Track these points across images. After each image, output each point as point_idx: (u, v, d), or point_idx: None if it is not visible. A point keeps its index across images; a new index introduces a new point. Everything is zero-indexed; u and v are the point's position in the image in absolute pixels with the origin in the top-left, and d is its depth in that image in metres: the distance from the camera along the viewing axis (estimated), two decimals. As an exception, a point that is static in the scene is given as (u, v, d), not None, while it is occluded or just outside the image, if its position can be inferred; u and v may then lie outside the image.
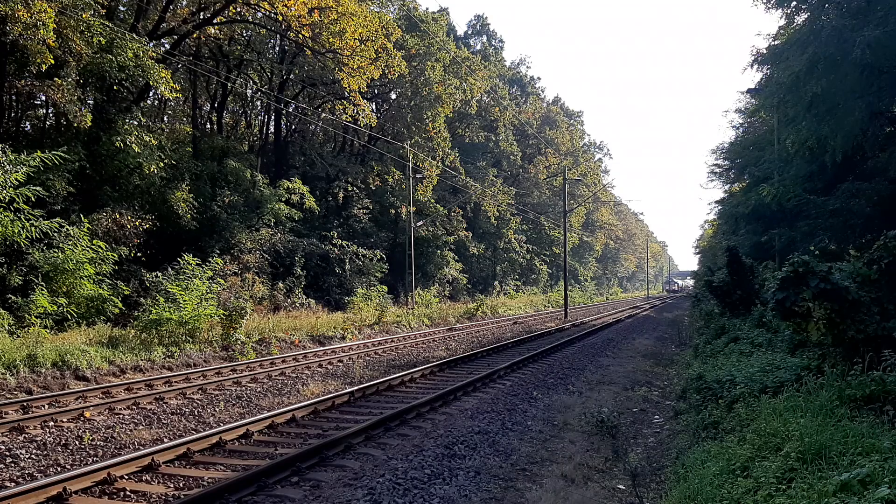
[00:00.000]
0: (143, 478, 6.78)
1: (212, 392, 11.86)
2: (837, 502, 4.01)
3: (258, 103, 37.25)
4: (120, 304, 17.81)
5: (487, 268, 53.88)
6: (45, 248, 16.51)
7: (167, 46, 25.04)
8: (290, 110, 36.39)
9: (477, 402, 10.81)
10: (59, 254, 16.29)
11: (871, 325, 7.92)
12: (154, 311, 15.86)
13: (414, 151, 36.26)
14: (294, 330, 20.70)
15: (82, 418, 9.50)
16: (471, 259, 49.38)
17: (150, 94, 26.89)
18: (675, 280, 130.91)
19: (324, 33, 25.84)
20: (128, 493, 6.30)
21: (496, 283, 54.05)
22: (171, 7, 25.45)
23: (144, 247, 21.14)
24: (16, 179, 13.99)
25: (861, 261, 9.25)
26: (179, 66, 26.66)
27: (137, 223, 20.77)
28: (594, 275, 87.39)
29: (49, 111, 23.55)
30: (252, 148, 35.90)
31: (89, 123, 18.85)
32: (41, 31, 15.88)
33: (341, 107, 30.30)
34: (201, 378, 13.18)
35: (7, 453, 7.60)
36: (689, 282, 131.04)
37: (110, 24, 19.08)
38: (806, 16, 16.47)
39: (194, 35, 25.37)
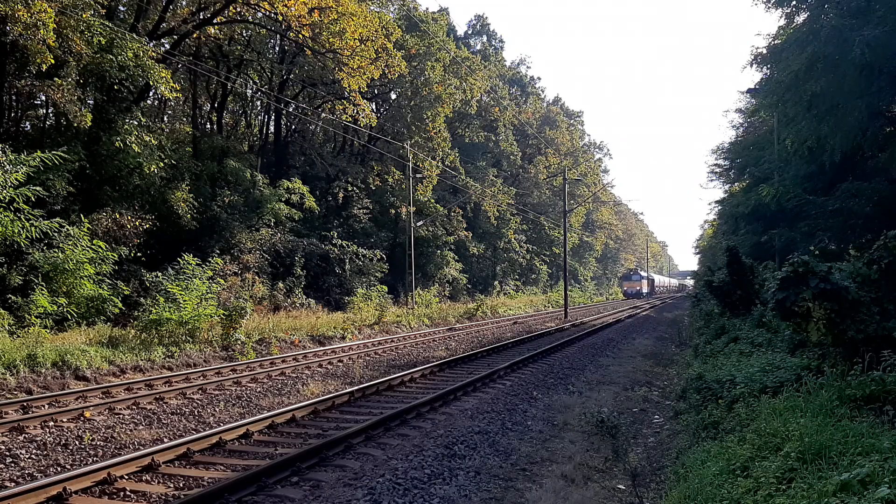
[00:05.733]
0: (143, 478, 6.77)
1: (212, 392, 11.86)
2: (837, 502, 4.01)
3: (258, 103, 37.26)
4: (120, 304, 17.81)
5: (487, 268, 53.89)
6: (45, 248, 16.51)
7: (167, 46, 25.04)
8: (290, 110, 36.39)
9: (477, 402, 10.81)
10: (59, 254, 16.28)
11: (871, 325, 7.91)
12: (154, 311, 15.86)
13: (414, 151, 36.26)
14: (294, 330, 20.69)
15: (82, 418, 9.50)
16: (471, 259, 49.38)
17: (150, 94, 26.89)
18: (644, 274, 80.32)
19: (324, 33, 25.85)
20: (128, 493, 6.30)
21: (496, 283, 54.04)
22: (171, 7, 25.46)
23: (144, 247, 21.13)
24: (16, 179, 13.99)
25: (861, 261, 9.25)
26: (179, 66, 26.66)
27: (137, 223, 20.77)
28: (594, 275, 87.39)
29: (49, 111, 23.55)
30: (252, 148, 35.90)
31: (89, 123, 18.86)
32: (41, 31, 15.88)
33: (341, 107, 30.32)
34: (201, 378, 13.18)
35: (7, 453, 7.60)
36: (668, 279, 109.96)
37: (110, 24, 19.08)
38: (805, 15, 16.47)
39: (194, 35, 25.37)
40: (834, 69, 13.81)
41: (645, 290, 75.27)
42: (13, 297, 15.41)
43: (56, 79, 18.33)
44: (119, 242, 19.68)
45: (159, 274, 17.93)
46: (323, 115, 36.33)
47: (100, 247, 17.45)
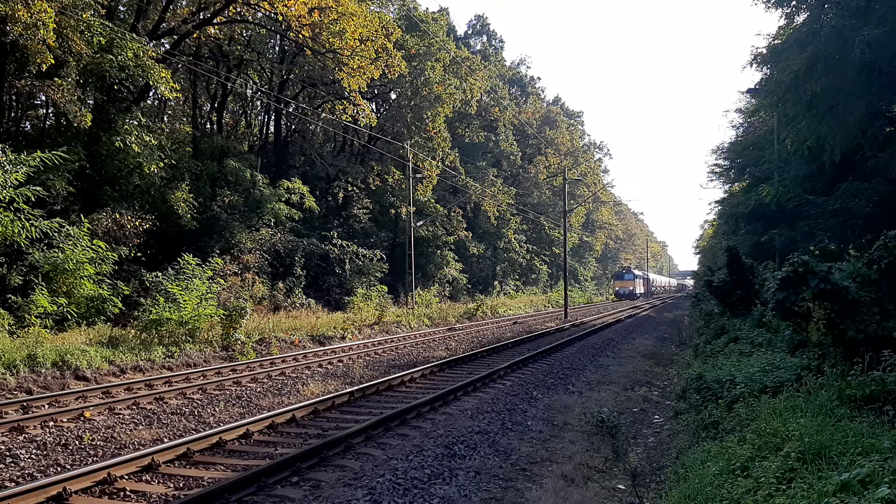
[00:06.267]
0: (143, 478, 6.77)
1: (212, 392, 11.86)
2: (837, 502, 4.01)
3: (258, 103, 37.27)
4: (120, 304, 17.80)
5: (487, 268, 53.89)
6: (45, 248, 16.51)
7: (167, 46, 25.04)
8: (290, 110, 36.39)
9: (477, 402, 10.81)
10: (59, 254, 16.29)
11: (871, 325, 7.91)
12: (154, 311, 15.86)
13: (414, 151, 36.26)
14: (294, 330, 20.70)
15: (82, 418, 9.50)
16: (471, 259, 49.39)
17: (150, 94, 26.90)
18: (637, 273, 71.97)
19: (324, 33, 25.86)
20: (128, 493, 6.30)
21: (496, 283, 54.04)
22: (171, 7, 25.46)
23: (144, 247, 21.13)
24: (16, 179, 13.99)
25: (861, 261, 9.25)
26: (179, 66, 26.65)
27: (137, 223, 20.77)
28: (594, 275, 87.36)
29: (49, 111, 23.56)
30: (252, 148, 35.91)
31: (89, 123, 18.85)
32: (41, 31, 15.88)
33: (341, 107, 30.34)
34: (201, 378, 13.18)
35: (7, 453, 7.60)
36: (666, 279, 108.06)
37: (110, 24, 19.08)
38: (805, 15, 16.49)
39: (194, 35, 25.37)
40: (834, 69, 13.82)
41: (639, 290, 68.53)
42: (13, 297, 15.41)
43: (56, 79, 18.32)
44: (119, 242, 19.68)
45: (159, 274, 17.92)
46: (323, 115, 36.33)
47: (100, 247, 17.45)
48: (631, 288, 65.44)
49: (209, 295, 17.56)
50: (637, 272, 72.80)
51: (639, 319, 35.40)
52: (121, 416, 9.78)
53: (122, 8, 25.82)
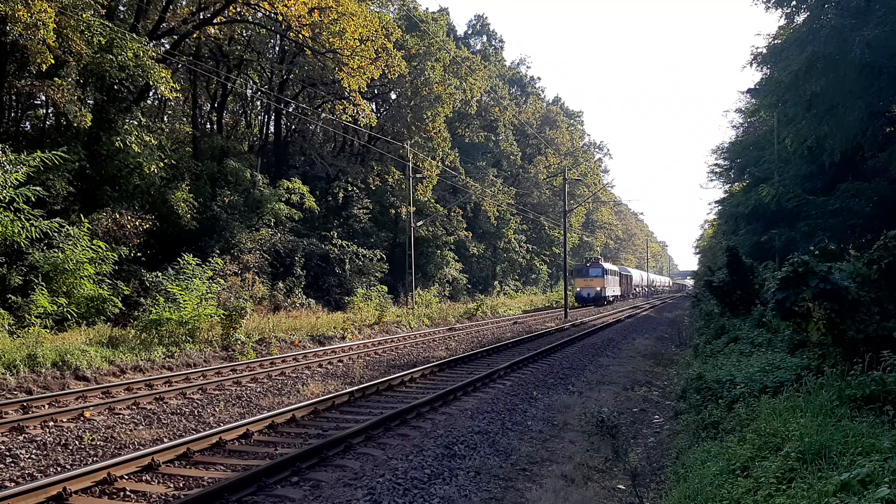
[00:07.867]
0: (143, 478, 6.77)
1: (212, 392, 11.85)
2: (837, 502, 4.01)
3: (258, 103, 37.26)
4: (120, 304, 17.80)
5: (487, 268, 53.89)
6: (45, 248, 16.51)
7: (167, 46, 25.04)
8: (290, 110, 36.40)
9: (477, 402, 10.81)
10: (59, 254, 16.28)
11: (871, 325, 7.91)
12: (154, 311, 15.86)
13: (414, 151, 36.26)
14: (294, 330, 20.69)
15: (82, 418, 9.50)
16: (471, 259, 49.39)
17: (150, 94, 26.90)
18: (608, 268, 51.63)
19: (324, 33, 25.87)
20: (128, 493, 6.30)
21: (496, 283, 54.05)
22: (171, 7, 25.46)
23: (144, 247, 21.13)
24: (16, 179, 13.98)
25: (861, 261, 9.25)
26: (179, 66, 26.66)
27: (137, 223, 20.76)
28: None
29: (49, 111, 23.56)
30: (252, 148, 35.91)
31: (89, 123, 18.85)
32: (41, 31, 15.88)
33: (341, 107, 30.35)
34: (201, 378, 13.17)
35: (7, 453, 7.60)
36: (661, 277, 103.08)
37: (110, 24, 19.09)
38: (805, 15, 16.50)
39: (194, 35, 25.37)
40: (834, 69, 13.83)
41: (612, 292, 50.07)
42: (13, 297, 15.41)
43: (56, 79, 18.33)
44: (119, 242, 19.67)
45: (159, 274, 17.92)
46: (323, 115, 36.33)
47: (100, 247, 17.44)
48: (598, 289, 47.62)
49: (209, 295, 17.56)
50: (609, 266, 53.25)
51: (638, 319, 35.40)
52: (121, 416, 9.78)
53: (122, 8, 25.82)
